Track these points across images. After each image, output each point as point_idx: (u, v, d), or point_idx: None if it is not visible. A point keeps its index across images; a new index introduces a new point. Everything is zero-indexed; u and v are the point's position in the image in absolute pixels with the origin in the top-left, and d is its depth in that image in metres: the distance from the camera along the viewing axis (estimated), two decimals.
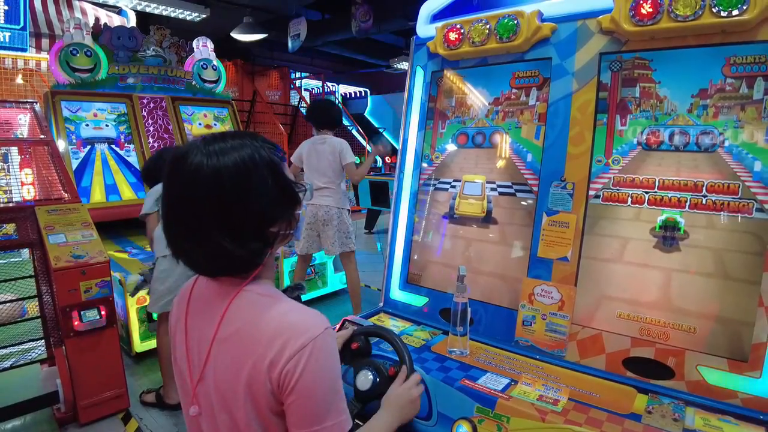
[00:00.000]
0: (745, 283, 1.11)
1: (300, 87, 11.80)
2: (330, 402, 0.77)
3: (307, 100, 11.09)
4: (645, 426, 1.01)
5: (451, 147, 1.64)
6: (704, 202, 1.17)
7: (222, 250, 0.75)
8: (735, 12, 1.10)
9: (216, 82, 4.77)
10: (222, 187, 0.73)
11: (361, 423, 0.95)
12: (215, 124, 4.68)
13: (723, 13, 1.11)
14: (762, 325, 1.07)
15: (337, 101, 12.66)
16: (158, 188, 2.55)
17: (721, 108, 1.17)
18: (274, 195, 0.78)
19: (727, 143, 1.16)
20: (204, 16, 6.58)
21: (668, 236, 1.21)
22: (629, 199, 1.26)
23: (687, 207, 1.19)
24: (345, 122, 12.13)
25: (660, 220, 1.23)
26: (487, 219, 1.53)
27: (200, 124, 4.58)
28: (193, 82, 4.59)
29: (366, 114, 13.80)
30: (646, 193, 1.24)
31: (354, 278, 3.36)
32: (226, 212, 0.74)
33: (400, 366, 1.11)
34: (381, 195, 6.67)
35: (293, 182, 0.83)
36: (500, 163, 1.53)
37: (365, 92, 14.07)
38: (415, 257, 1.68)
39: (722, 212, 1.15)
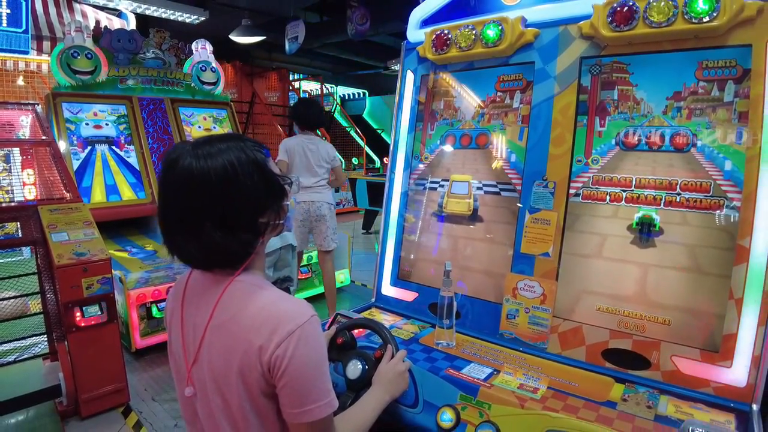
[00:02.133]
0: (716, 276, 1.16)
1: (299, 88, 11.87)
2: (319, 383, 0.83)
3: None
4: (619, 412, 1.06)
5: (439, 148, 1.70)
6: (678, 199, 1.23)
7: (214, 244, 0.82)
8: (706, 19, 1.15)
9: (215, 83, 4.82)
10: (212, 187, 0.80)
11: None
12: (214, 126, 4.73)
13: (694, 20, 1.17)
14: (732, 317, 1.11)
15: (335, 102, 12.71)
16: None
17: (694, 110, 1.23)
18: (261, 189, 0.85)
19: (699, 143, 1.22)
20: (203, 18, 6.64)
21: (644, 233, 1.27)
22: (608, 197, 1.32)
23: (662, 204, 1.25)
24: (343, 123, 12.19)
25: (637, 218, 1.28)
26: (474, 217, 1.58)
27: (200, 127, 4.64)
28: (192, 84, 4.64)
29: (364, 115, 13.86)
30: (624, 191, 1.30)
31: (333, 277, 3.50)
32: (216, 208, 0.81)
33: (384, 347, 1.17)
34: (379, 195, 6.71)
35: (279, 176, 0.90)
36: (486, 164, 1.58)
37: (363, 93, 14.13)
38: (406, 254, 1.73)
39: (695, 209, 1.21)
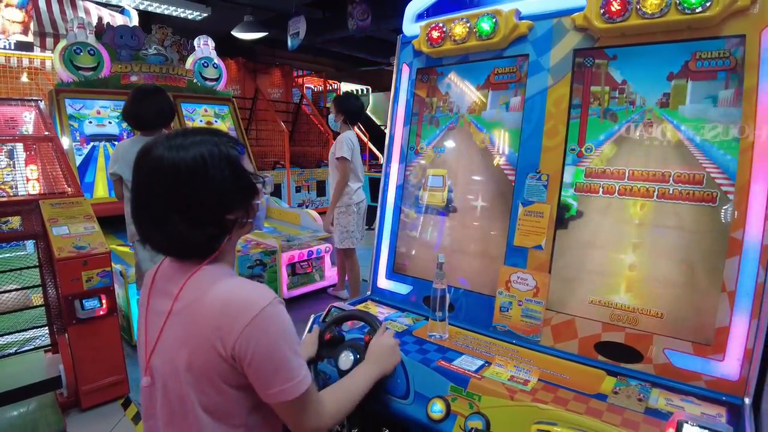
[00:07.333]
0: (709, 269, 1.16)
1: (302, 85, 11.86)
2: (286, 365, 0.83)
3: (309, 98, 11.13)
4: (609, 405, 1.06)
5: (435, 140, 1.70)
6: (671, 191, 1.22)
7: (177, 234, 0.82)
8: (699, 9, 1.14)
9: (217, 80, 4.84)
10: (179, 178, 0.80)
11: None
12: (216, 121, 4.75)
13: (687, 11, 1.16)
14: (724, 310, 1.11)
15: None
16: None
17: (687, 101, 1.22)
18: (230, 185, 0.85)
19: (692, 135, 1.21)
20: (205, 15, 6.64)
21: (636, 225, 1.26)
22: (600, 190, 1.31)
23: (655, 196, 1.24)
24: None
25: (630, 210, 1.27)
26: (468, 210, 1.58)
27: (201, 120, 4.66)
28: (195, 80, 4.66)
29: (367, 112, 13.83)
30: (617, 183, 1.29)
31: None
32: (183, 200, 0.81)
33: (372, 331, 1.18)
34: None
35: (252, 174, 0.89)
36: (481, 156, 1.58)
37: (366, 90, 14.10)
38: (401, 248, 1.74)
39: (688, 201, 1.20)
